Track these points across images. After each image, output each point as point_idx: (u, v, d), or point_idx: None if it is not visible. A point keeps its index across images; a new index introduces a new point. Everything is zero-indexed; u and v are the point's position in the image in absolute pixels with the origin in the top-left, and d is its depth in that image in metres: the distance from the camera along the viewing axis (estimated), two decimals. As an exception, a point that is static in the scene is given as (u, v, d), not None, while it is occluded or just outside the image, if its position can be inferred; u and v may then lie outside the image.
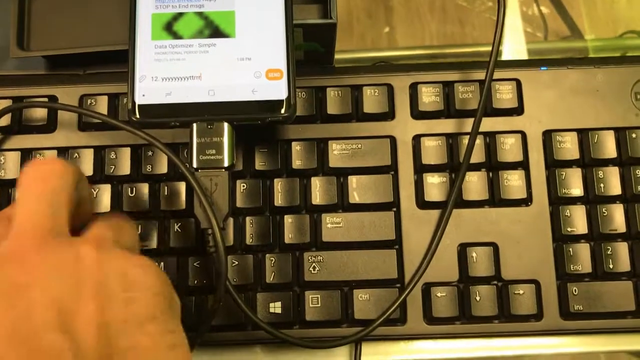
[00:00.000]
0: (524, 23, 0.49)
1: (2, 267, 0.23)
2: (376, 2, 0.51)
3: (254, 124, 0.33)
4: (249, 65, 0.33)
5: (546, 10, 0.51)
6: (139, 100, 0.32)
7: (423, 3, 0.52)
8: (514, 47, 0.48)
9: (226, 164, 0.32)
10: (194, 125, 0.32)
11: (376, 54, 0.49)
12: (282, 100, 0.32)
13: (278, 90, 0.33)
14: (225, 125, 0.32)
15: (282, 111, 0.32)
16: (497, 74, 0.37)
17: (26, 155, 0.37)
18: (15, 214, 0.25)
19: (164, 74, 0.33)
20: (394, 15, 0.51)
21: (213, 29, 0.33)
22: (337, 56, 0.40)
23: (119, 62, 0.38)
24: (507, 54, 0.47)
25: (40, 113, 0.37)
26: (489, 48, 0.36)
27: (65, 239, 0.25)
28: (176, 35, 0.33)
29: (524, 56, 0.47)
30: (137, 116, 0.32)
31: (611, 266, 0.36)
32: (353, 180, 0.37)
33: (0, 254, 0.24)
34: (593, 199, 0.37)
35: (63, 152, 0.37)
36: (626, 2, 0.52)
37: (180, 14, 0.33)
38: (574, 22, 0.51)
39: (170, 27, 0.33)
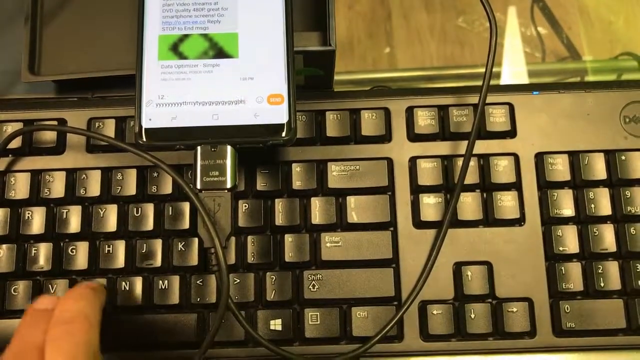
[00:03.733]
0: (523, 43, 0.50)
1: None
2: (377, 23, 0.52)
3: (256, 146, 0.34)
4: (252, 87, 0.34)
5: (544, 31, 0.52)
6: (146, 124, 0.34)
7: (423, 24, 0.53)
8: (514, 69, 0.49)
9: (229, 185, 0.33)
10: (198, 148, 0.33)
11: (376, 75, 0.51)
12: (283, 124, 0.34)
13: (279, 114, 0.34)
14: (229, 148, 0.33)
15: (283, 134, 0.34)
16: (491, 98, 0.38)
17: (35, 176, 0.38)
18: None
19: (170, 96, 0.34)
20: (394, 36, 0.52)
21: (217, 50, 0.35)
22: (338, 77, 0.41)
23: (126, 87, 0.40)
24: (506, 75, 0.48)
25: (49, 135, 0.39)
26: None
27: None
28: (182, 56, 0.35)
29: (524, 78, 0.48)
30: (144, 139, 0.33)
31: (602, 285, 0.37)
32: (351, 200, 0.38)
33: None
34: (584, 219, 0.38)
35: (71, 173, 0.38)
36: (623, 23, 0.53)
37: (186, 36, 0.35)
38: (572, 42, 0.52)
39: (176, 48, 0.35)
